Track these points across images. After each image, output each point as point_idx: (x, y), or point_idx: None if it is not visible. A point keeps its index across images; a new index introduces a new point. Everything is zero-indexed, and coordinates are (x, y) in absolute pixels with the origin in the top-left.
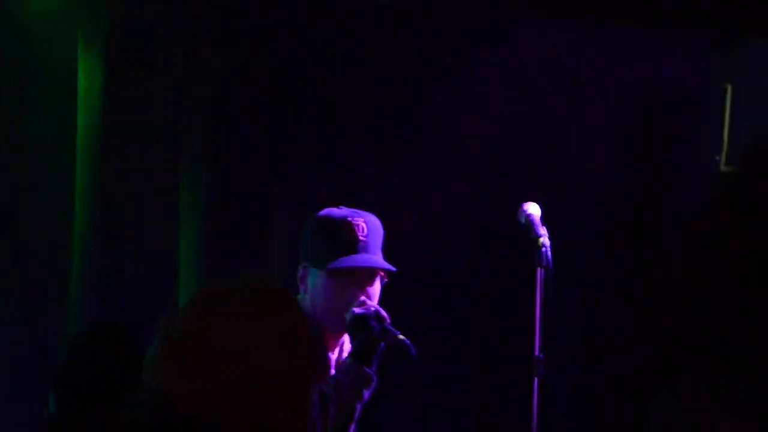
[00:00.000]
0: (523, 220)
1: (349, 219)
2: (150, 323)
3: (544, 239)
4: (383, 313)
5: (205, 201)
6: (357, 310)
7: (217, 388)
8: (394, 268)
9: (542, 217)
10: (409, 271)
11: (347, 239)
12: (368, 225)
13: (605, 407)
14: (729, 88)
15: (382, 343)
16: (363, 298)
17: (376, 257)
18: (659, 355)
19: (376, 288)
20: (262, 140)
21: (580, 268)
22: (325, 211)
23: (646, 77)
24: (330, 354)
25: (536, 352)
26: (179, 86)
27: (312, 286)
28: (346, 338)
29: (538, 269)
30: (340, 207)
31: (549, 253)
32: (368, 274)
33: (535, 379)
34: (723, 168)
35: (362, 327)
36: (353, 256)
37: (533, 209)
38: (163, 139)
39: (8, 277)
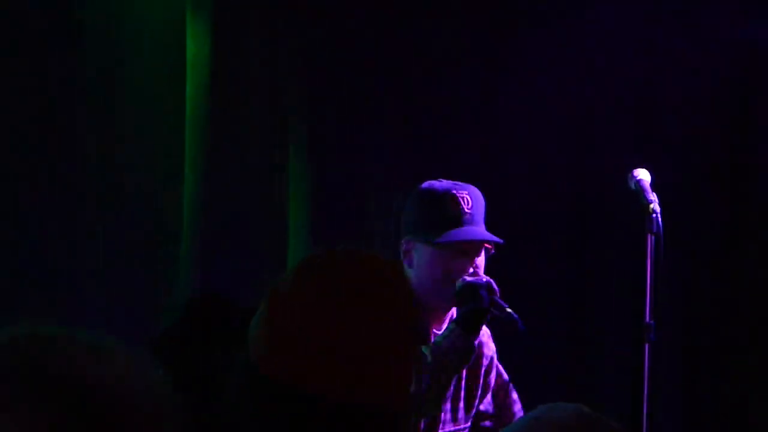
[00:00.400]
0: (633, 186)
1: (453, 191)
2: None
3: (655, 205)
4: (494, 285)
5: (313, 173)
6: (468, 278)
7: (318, 358)
8: (501, 240)
9: (652, 183)
10: (514, 241)
11: (453, 212)
12: (472, 197)
13: (712, 374)
14: None
15: (489, 315)
16: (472, 269)
17: (482, 229)
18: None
19: (482, 260)
20: (358, 115)
21: (688, 236)
22: (426, 184)
23: (743, 40)
24: (435, 330)
25: (647, 318)
26: (286, 51)
27: (418, 260)
28: (450, 315)
29: (649, 235)
30: (440, 180)
31: (659, 219)
32: (475, 246)
33: (646, 345)
34: None
35: (472, 295)
36: (460, 229)
37: (643, 175)
38: (271, 106)
39: (118, 245)
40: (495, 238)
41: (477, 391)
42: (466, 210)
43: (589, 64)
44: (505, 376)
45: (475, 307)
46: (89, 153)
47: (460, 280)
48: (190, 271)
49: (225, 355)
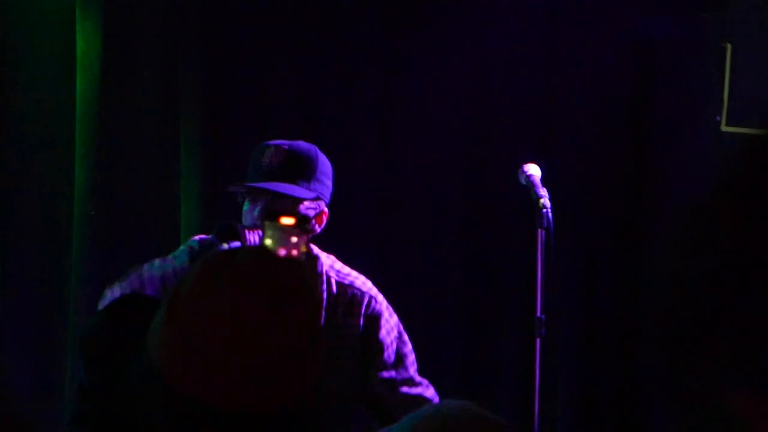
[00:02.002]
0: (523, 181)
1: (265, 145)
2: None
3: (545, 200)
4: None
5: (204, 162)
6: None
7: (214, 364)
8: (282, 191)
9: (542, 179)
10: (407, 233)
11: (255, 165)
12: (281, 153)
13: (604, 368)
14: (729, 46)
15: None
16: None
17: (280, 184)
18: (658, 317)
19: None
20: (255, 104)
21: (579, 229)
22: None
23: (637, 35)
24: None
25: (538, 313)
26: (176, 49)
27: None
28: None
29: (539, 230)
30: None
31: (550, 214)
32: (258, 195)
33: (537, 340)
34: (724, 128)
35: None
36: (253, 181)
37: (534, 170)
38: (161, 102)
39: (10, 240)
40: (279, 190)
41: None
42: (266, 162)
43: (489, 59)
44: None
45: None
46: None
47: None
48: (82, 264)
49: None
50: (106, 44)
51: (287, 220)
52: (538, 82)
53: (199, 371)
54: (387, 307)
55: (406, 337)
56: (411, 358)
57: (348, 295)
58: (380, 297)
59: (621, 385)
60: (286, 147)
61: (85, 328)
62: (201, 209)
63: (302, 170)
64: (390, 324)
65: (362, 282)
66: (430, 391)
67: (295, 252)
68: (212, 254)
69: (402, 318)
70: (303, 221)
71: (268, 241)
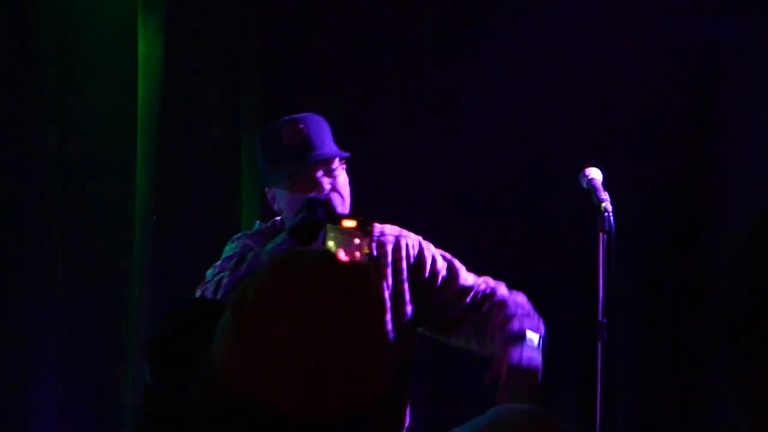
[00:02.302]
0: (584, 185)
1: (284, 127)
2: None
3: (607, 204)
4: (335, 203)
5: None
6: (312, 195)
7: (282, 370)
8: (346, 153)
9: (603, 182)
10: (467, 236)
11: (290, 145)
12: (307, 123)
13: (667, 372)
14: None
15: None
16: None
17: (324, 150)
18: (721, 323)
19: (340, 175)
20: (316, 106)
21: (640, 233)
22: (263, 131)
23: (696, 39)
24: None
25: (599, 317)
26: (237, 53)
27: (280, 205)
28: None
29: (601, 234)
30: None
31: (611, 218)
32: (321, 168)
33: (599, 344)
34: None
35: (307, 208)
36: (300, 157)
37: (595, 174)
38: (222, 105)
39: (71, 244)
40: (334, 153)
41: (402, 296)
42: (303, 138)
43: (546, 62)
44: (444, 265)
45: (307, 217)
46: (43, 153)
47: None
48: (143, 268)
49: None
50: (167, 48)
51: (349, 223)
52: (598, 84)
53: (263, 375)
54: (415, 238)
55: (444, 253)
56: (456, 266)
57: (384, 246)
58: (410, 234)
59: (683, 389)
60: (300, 122)
61: (151, 331)
62: (262, 212)
63: (328, 133)
64: (418, 248)
65: (390, 228)
66: (488, 285)
67: (358, 254)
68: (278, 258)
69: None
70: (364, 223)
71: (330, 244)
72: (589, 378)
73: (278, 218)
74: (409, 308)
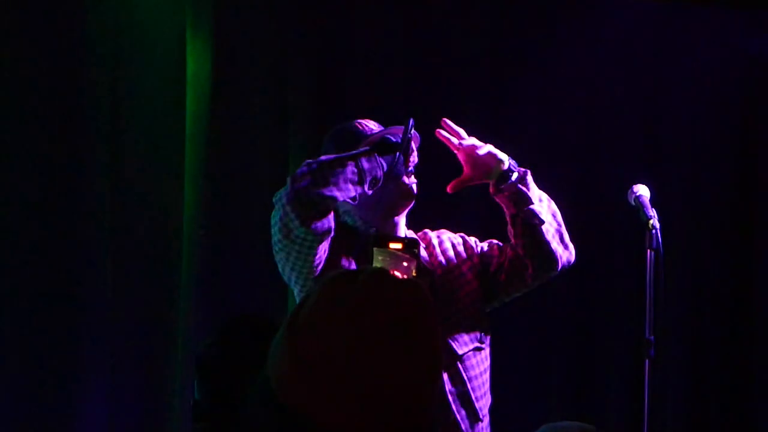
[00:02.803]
0: (632, 202)
1: (356, 123)
2: (262, 306)
3: (654, 221)
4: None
5: None
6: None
7: (337, 390)
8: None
9: (651, 199)
10: None
11: (361, 137)
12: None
13: (714, 389)
14: None
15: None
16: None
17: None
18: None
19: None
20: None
21: (688, 250)
22: (350, 125)
23: (747, 54)
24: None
25: (647, 334)
26: (285, 68)
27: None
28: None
29: (648, 251)
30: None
31: (659, 235)
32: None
33: (646, 361)
34: None
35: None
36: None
37: (643, 191)
38: (270, 121)
39: (121, 258)
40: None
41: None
42: (370, 129)
43: (595, 78)
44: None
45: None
46: (95, 170)
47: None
48: (191, 282)
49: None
50: (215, 64)
51: (395, 245)
52: (646, 101)
53: (318, 393)
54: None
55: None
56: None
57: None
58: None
59: (731, 408)
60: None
61: (200, 347)
62: None
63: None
64: (440, 238)
65: (422, 232)
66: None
67: (405, 276)
68: (333, 276)
69: (511, 340)
70: (411, 245)
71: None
72: (637, 396)
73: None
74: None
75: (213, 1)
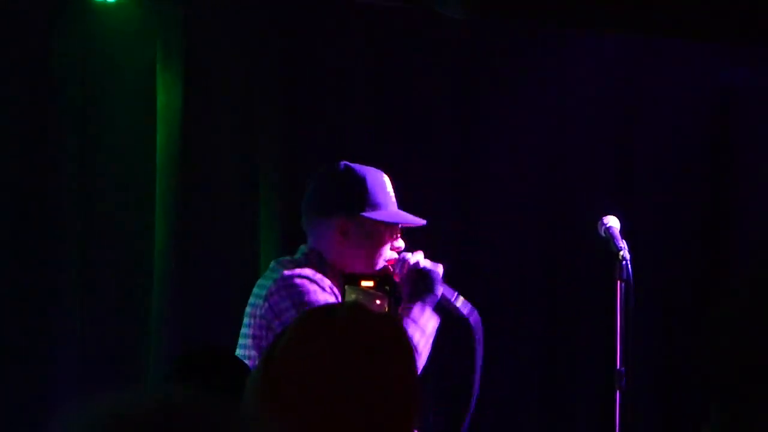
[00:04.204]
0: (602, 233)
1: (384, 174)
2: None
3: (624, 252)
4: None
5: (284, 213)
6: (425, 265)
7: (314, 425)
8: (424, 222)
9: (621, 230)
10: (485, 283)
11: (390, 193)
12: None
13: (684, 420)
14: None
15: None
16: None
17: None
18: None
19: None
20: (335, 155)
21: (658, 281)
22: (349, 165)
23: (719, 85)
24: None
25: (618, 365)
26: (256, 101)
27: (359, 236)
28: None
29: (619, 282)
30: (344, 162)
31: (629, 266)
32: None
33: (617, 392)
34: None
35: (425, 283)
36: (399, 210)
37: (613, 222)
38: (241, 153)
39: (91, 292)
40: (422, 222)
41: None
42: (391, 192)
43: (568, 108)
44: None
45: (427, 295)
46: (65, 201)
47: (414, 262)
48: (162, 315)
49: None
50: (186, 96)
51: (367, 283)
52: (617, 132)
53: (296, 428)
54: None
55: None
56: None
57: None
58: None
59: None
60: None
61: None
62: (279, 253)
63: None
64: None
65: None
66: None
67: None
68: (309, 311)
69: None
70: (383, 282)
71: None
72: (608, 427)
73: (306, 254)
74: None
75: (183, 32)
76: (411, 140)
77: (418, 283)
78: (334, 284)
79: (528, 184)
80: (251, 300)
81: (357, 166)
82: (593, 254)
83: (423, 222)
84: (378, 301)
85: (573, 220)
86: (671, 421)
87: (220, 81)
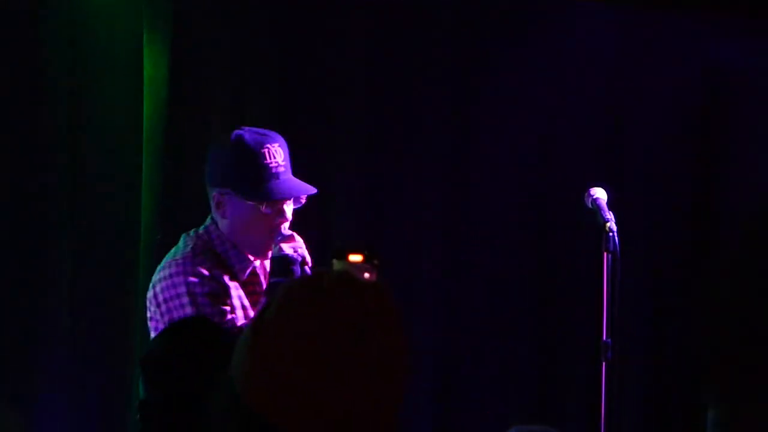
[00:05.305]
0: (590, 205)
1: (268, 146)
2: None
3: (611, 224)
4: (308, 258)
5: None
6: (286, 251)
7: (299, 394)
8: (315, 190)
9: (609, 202)
10: (473, 256)
11: (268, 166)
12: (282, 148)
13: (671, 392)
14: None
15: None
16: (291, 234)
17: (293, 181)
18: (720, 343)
19: (291, 208)
20: (324, 129)
21: (645, 252)
22: (235, 136)
23: (705, 62)
24: (256, 266)
25: (604, 337)
26: (244, 73)
27: (233, 213)
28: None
29: (605, 254)
30: (244, 128)
31: (616, 237)
32: (290, 200)
33: (603, 364)
34: None
35: (285, 269)
36: (277, 183)
37: (600, 193)
38: (228, 126)
39: (77, 264)
40: (309, 191)
41: None
42: (281, 163)
43: (557, 82)
44: None
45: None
46: (51, 174)
47: (277, 248)
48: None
49: (211, 376)
50: (172, 69)
51: (355, 257)
52: (607, 104)
53: (282, 399)
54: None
55: None
56: None
57: None
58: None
59: (688, 410)
60: (279, 144)
61: (147, 348)
62: None
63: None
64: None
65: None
66: None
67: None
68: (298, 279)
69: (471, 341)
70: (371, 256)
71: None
72: (594, 398)
73: (207, 226)
74: None
75: (171, 6)
76: (401, 112)
77: (278, 269)
78: (225, 259)
79: (516, 156)
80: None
81: (247, 135)
82: (580, 226)
83: (302, 193)
84: (367, 275)
85: (560, 191)
86: (658, 391)
87: (207, 53)
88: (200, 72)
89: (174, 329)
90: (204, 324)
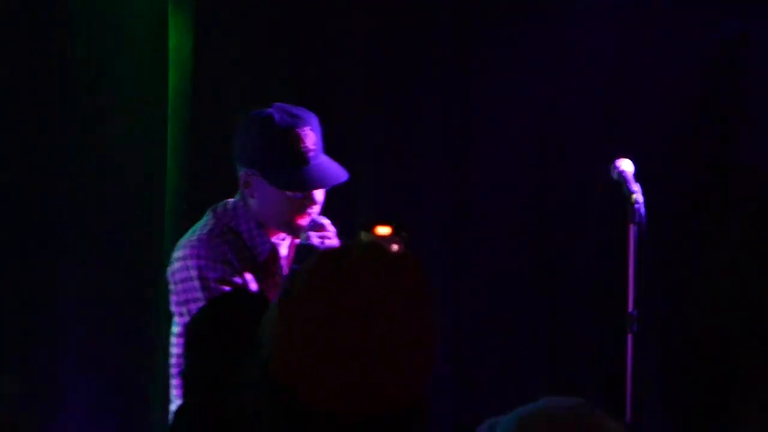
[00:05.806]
0: (615, 177)
1: (298, 129)
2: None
3: (637, 195)
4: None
5: None
6: (312, 240)
7: (327, 367)
8: (346, 177)
9: (635, 174)
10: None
11: (297, 152)
12: (314, 131)
13: (696, 364)
14: None
15: None
16: (319, 220)
17: (327, 164)
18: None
19: (322, 193)
20: (341, 109)
21: (672, 224)
22: (265, 114)
23: (728, 32)
24: (278, 245)
25: (630, 309)
26: (268, 44)
27: (261, 195)
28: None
29: (632, 226)
30: (273, 105)
31: (642, 209)
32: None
33: (629, 336)
34: None
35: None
36: (308, 169)
37: (626, 166)
38: (252, 97)
39: (103, 234)
40: (339, 179)
41: None
42: (311, 147)
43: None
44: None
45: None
46: (74, 145)
47: (305, 235)
48: None
49: (246, 346)
50: (198, 40)
51: (383, 230)
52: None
53: (310, 369)
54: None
55: None
56: None
57: None
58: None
59: (714, 381)
60: (312, 128)
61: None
62: None
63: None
64: None
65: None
66: None
67: None
68: (327, 250)
69: (492, 316)
70: (399, 229)
71: None
72: (620, 370)
73: (236, 202)
74: None
75: None
76: (405, 91)
77: (303, 257)
78: (247, 239)
79: (540, 127)
80: None
81: (277, 116)
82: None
83: (329, 183)
84: (395, 247)
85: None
86: (684, 364)
87: (232, 23)
88: (225, 40)
89: (219, 300)
90: (251, 296)
